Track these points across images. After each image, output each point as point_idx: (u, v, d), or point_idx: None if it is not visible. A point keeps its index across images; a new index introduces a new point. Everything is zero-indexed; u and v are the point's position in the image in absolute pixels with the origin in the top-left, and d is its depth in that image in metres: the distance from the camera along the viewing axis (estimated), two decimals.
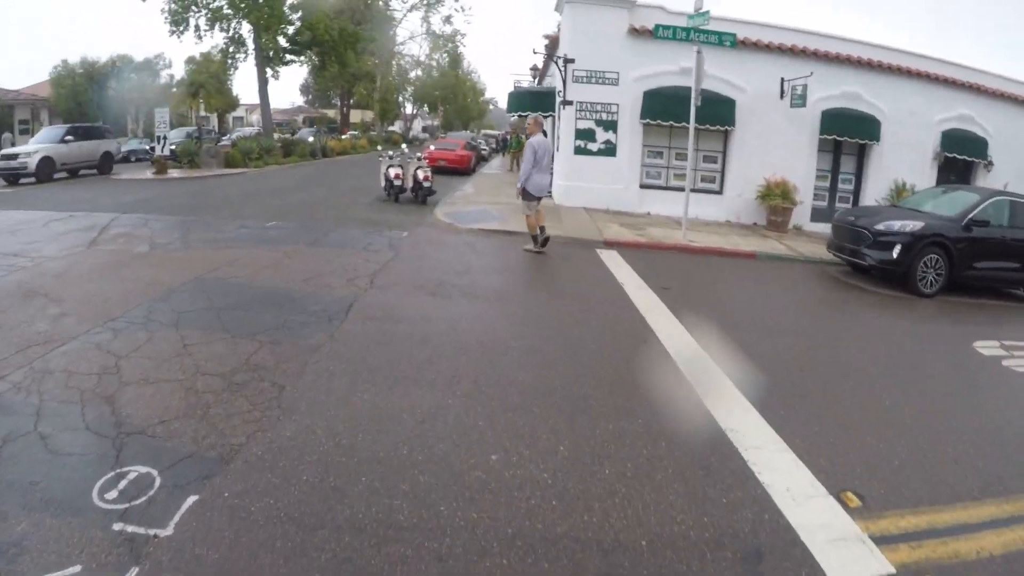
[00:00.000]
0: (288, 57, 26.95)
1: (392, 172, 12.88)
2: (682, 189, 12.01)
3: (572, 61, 12.63)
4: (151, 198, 12.81)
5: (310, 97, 62.17)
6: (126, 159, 22.29)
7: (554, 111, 15.01)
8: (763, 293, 8.11)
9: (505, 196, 14.64)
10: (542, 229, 8.38)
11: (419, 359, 4.51)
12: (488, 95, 71.58)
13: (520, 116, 17.41)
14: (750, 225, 12.97)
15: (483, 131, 50.97)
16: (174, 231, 9.00)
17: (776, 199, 12.48)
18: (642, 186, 13.19)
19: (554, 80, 15.25)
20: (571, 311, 6.15)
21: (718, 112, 12.50)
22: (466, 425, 3.58)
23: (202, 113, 39.57)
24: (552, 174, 9.40)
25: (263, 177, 18.42)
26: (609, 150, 12.93)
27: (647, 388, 4.31)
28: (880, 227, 8.60)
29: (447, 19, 41.01)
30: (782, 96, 12.91)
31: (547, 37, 16.41)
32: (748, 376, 4.60)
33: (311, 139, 28.18)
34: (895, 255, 8.33)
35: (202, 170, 19.81)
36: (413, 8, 39.37)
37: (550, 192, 9.52)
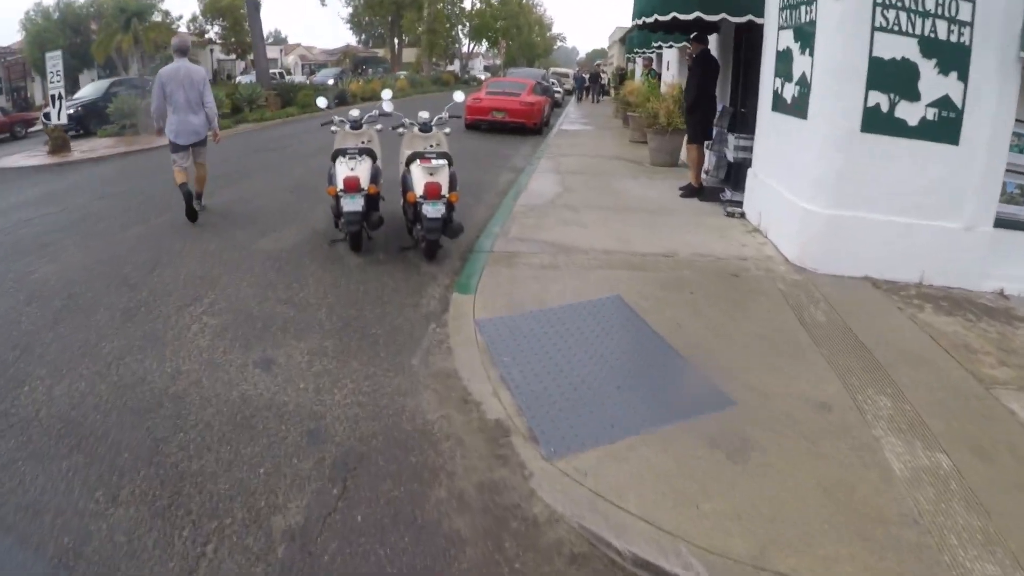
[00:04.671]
0: None
1: (342, 173, 4.59)
2: None
3: None
4: None
5: (363, 36, 52.64)
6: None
7: (757, 12, 5.72)
8: None
9: (658, 223, 5.75)
10: (183, 186, 5.60)
11: None
12: (556, 30, 60.14)
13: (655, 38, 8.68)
14: None
15: (552, 69, 41.22)
16: None
17: None
18: (997, 222, 4.36)
19: None
20: None
21: None
22: None
23: (221, 56, 32.38)
24: (210, 116, 5.63)
25: None
26: (945, 125, 4.16)
27: None
28: None
29: None
30: None
31: None
32: None
33: (331, 83, 20.88)
34: None
35: (140, 139, 13.05)
36: None
37: (201, 141, 5.57)
